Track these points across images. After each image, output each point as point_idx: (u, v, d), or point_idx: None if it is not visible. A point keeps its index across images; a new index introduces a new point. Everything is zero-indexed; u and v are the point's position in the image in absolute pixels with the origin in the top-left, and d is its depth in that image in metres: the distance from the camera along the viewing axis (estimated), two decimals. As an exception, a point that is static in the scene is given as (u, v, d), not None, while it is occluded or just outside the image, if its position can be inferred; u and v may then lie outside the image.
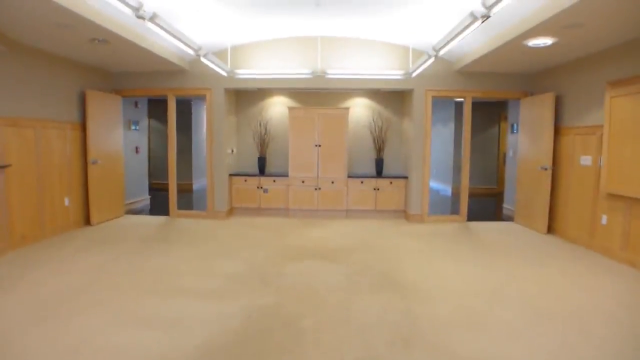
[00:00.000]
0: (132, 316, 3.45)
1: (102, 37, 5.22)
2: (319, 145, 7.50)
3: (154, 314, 3.50)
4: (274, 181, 7.66)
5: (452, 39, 4.54)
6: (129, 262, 4.92)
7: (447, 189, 10.38)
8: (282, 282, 4.28)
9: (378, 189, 7.55)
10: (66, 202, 6.46)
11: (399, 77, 6.79)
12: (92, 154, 6.80)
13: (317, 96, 8.14)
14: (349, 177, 7.58)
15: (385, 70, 7.04)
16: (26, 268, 4.64)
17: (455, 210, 7.68)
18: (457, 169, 8.88)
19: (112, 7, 4.43)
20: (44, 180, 5.98)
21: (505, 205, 8.54)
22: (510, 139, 8.66)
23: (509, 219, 7.72)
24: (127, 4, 3.47)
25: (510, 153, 8.53)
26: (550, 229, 6.49)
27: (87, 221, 6.93)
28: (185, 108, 9.58)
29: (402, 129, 8.08)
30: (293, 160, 7.57)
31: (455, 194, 8.68)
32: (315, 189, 7.57)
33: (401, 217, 7.66)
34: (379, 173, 7.81)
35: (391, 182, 7.55)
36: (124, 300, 3.79)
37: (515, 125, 8.23)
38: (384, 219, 7.56)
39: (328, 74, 6.76)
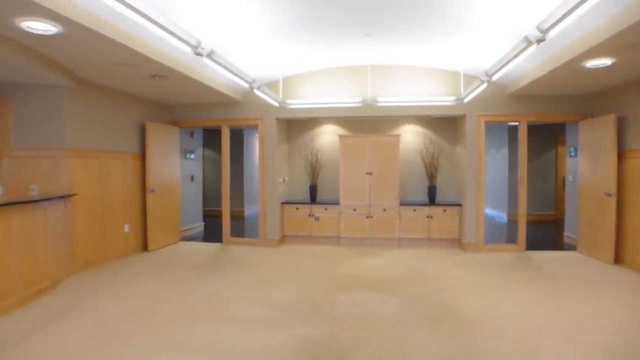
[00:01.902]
0: (184, 344, 3.50)
1: (162, 73, 5.50)
2: (370, 173, 7.47)
3: (206, 342, 3.54)
4: (325, 209, 7.66)
5: (505, 64, 4.45)
6: (183, 289, 5.03)
7: (502, 216, 10.02)
8: (335, 313, 4.22)
9: (431, 217, 7.38)
10: (126, 229, 6.74)
11: (450, 102, 6.71)
12: (150, 183, 7.09)
13: (367, 124, 8.15)
14: (401, 204, 7.47)
15: (436, 96, 6.97)
16: (87, 292, 4.87)
17: (512, 239, 7.37)
18: (512, 194, 8.57)
19: (171, 45, 4.67)
20: (106, 208, 6.28)
21: (566, 233, 8.11)
22: (569, 163, 8.28)
23: (571, 247, 7.32)
24: (187, 43, 3.64)
25: (569, 178, 8.15)
26: (618, 259, 6.08)
27: (145, 247, 7.18)
28: (237, 137, 9.85)
29: (455, 155, 7.92)
30: (344, 188, 7.57)
31: (511, 221, 8.36)
32: (367, 217, 7.50)
33: (455, 246, 7.44)
34: (432, 200, 7.65)
35: (445, 210, 7.37)
36: (177, 327, 3.86)
37: (574, 149, 7.88)
38: (437, 248, 7.37)
39: (378, 101, 6.77)
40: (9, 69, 4.83)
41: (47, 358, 3.25)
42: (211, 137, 10.68)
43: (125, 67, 5.18)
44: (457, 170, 7.80)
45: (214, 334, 3.71)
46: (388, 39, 5.64)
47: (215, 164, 11.53)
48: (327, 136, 8.34)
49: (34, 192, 5.44)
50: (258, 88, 5.71)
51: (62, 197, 5.19)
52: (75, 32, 3.91)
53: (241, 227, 9.26)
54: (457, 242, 7.43)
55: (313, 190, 7.95)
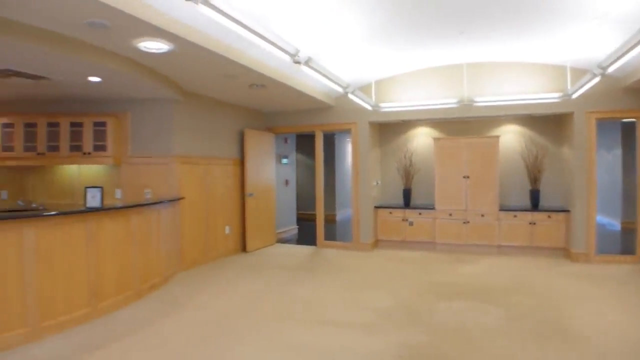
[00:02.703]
0: (285, 344, 3.59)
1: (260, 82, 5.74)
2: (467, 177, 7.18)
3: (306, 343, 3.60)
4: (420, 214, 7.49)
5: (624, 54, 4.04)
6: (281, 290, 5.19)
7: (614, 224, 9.13)
8: (433, 321, 4.10)
9: (534, 224, 6.92)
10: (227, 230, 7.12)
11: (555, 99, 6.25)
12: (249, 187, 7.42)
13: (463, 125, 7.84)
14: (501, 210, 7.08)
15: (539, 93, 6.51)
16: (194, 289, 5.23)
17: (628, 249, 6.66)
18: (626, 199, 7.79)
19: (269, 55, 4.84)
20: (209, 211, 6.69)
21: (696, 244, 7.19)
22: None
23: None
24: (286, 52, 3.77)
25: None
26: None
27: (244, 248, 7.53)
28: (328, 141, 9.98)
29: (561, 156, 7.34)
30: (439, 192, 7.35)
31: (626, 230, 7.59)
32: (464, 223, 7.21)
33: (561, 255, 6.89)
34: (535, 206, 7.16)
35: (549, 216, 6.87)
36: (278, 327, 3.98)
37: None
38: (541, 257, 6.87)
39: (475, 101, 6.49)
40: (128, 86, 5.33)
41: (161, 347, 3.53)
42: (303, 142, 10.93)
43: (227, 78, 5.48)
44: (563, 173, 7.23)
45: (313, 335, 3.78)
46: (485, 36, 5.40)
47: (307, 168, 11.79)
48: (421, 139, 8.16)
49: (148, 195, 5.93)
50: (352, 92, 5.74)
51: (171, 201, 5.61)
52: (184, 48, 4.20)
53: (333, 231, 9.36)
54: (563, 252, 6.88)
55: (407, 194, 7.81)
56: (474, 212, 7.16)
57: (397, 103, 6.96)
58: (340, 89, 5.46)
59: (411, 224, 7.53)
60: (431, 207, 7.44)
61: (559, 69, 6.49)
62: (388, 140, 8.40)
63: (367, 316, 4.24)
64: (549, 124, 7.47)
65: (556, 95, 6.11)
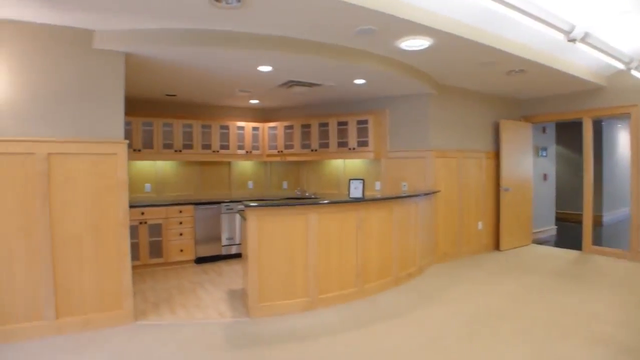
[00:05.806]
0: (554, 356, 3.25)
1: (520, 68, 5.34)
2: None
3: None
4: None
5: None
6: (542, 296, 4.74)
7: None
8: None
9: None
10: (479, 226, 6.91)
11: None
12: (504, 182, 7.03)
13: None
14: None
15: None
16: (448, 283, 5.26)
17: None
18: None
19: (531, 36, 4.43)
20: (462, 205, 6.63)
21: None
22: None
23: None
24: (560, 30, 3.43)
25: None
26: None
27: (496, 246, 7.18)
28: (594, 129, 8.71)
29: None
30: None
31: None
32: None
33: None
34: None
35: None
36: (542, 336, 3.64)
37: None
38: None
39: None
40: (387, 85, 5.70)
41: (420, 335, 3.68)
42: (563, 132, 9.76)
43: (483, 67, 5.28)
44: None
45: (588, 354, 3.28)
46: None
47: (567, 161, 10.53)
48: None
49: (404, 188, 6.23)
50: (637, 68, 4.84)
51: (427, 194, 5.75)
52: (443, 41, 4.20)
53: (599, 234, 8.12)
54: None
55: None
56: None
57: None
58: (620, 65, 4.65)
59: None
60: None
61: None
62: (683, 126, 6.77)
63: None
64: None
65: None
